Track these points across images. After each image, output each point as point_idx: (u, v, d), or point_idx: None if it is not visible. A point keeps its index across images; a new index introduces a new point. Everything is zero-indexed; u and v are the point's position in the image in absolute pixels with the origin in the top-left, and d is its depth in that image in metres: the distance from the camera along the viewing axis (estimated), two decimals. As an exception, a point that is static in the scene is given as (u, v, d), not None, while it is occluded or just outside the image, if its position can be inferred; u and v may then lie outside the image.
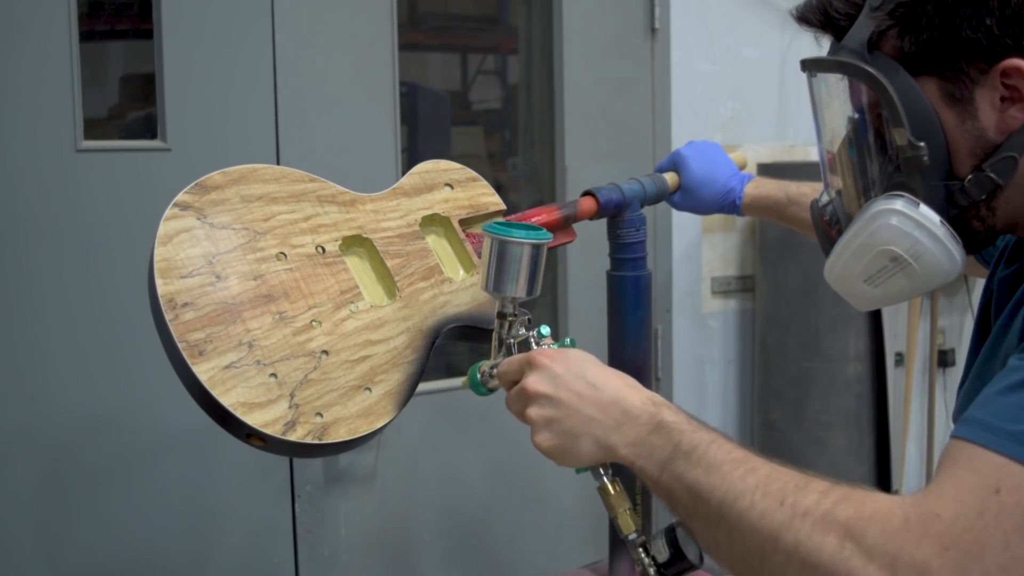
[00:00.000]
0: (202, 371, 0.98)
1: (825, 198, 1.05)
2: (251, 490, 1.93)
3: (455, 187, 1.20)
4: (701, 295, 2.53)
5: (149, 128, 1.87)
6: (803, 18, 0.98)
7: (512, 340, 1.03)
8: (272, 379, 1.00)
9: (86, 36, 1.79)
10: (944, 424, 2.94)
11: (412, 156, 2.26)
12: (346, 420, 1.03)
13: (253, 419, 0.98)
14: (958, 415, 0.98)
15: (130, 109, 1.99)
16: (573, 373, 0.96)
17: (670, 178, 1.39)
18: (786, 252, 2.44)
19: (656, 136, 2.39)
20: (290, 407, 1.00)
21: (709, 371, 2.56)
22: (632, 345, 1.31)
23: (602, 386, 0.95)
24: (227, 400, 0.98)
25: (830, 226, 1.02)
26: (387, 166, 2.01)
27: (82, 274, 1.77)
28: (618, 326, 1.32)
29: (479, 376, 1.06)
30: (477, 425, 2.18)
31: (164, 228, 1.03)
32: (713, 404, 2.58)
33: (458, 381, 2.21)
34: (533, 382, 0.97)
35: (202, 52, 1.84)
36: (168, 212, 1.04)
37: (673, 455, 0.88)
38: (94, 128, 1.82)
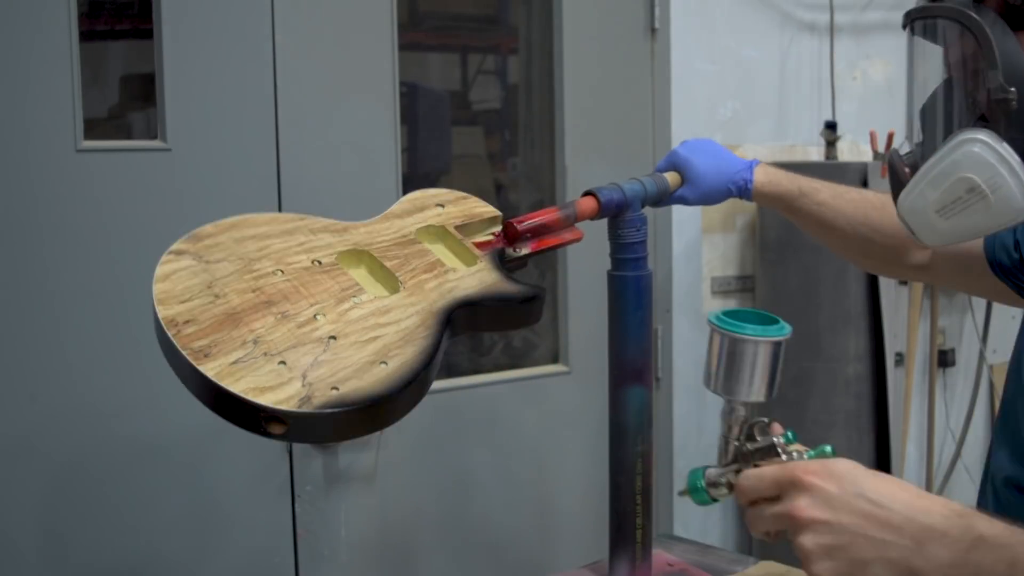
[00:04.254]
0: (209, 369, 0.97)
1: (907, 147, 1.06)
2: (251, 490, 1.93)
3: (446, 205, 1.21)
4: (701, 295, 2.53)
5: (149, 128, 1.87)
6: None
7: (749, 448, 0.91)
8: (282, 366, 0.98)
9: (86, 36, 1.79)
10: (944, 424, 2.94)
11: (412, 156, 2.26)
12: (362, 390, 0.98)
13: (266, 400, 0.94)
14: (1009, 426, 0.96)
15: (130, 109, 1.99)
16: (850, 492, 0.84)
17: (671, 178, 1.39)
18: (786, 252, 2.44)
19: (656, 136, 2.39)
20: (303, 385, 0.96)
21: (709, 371, 2.55)
22: (632, 345, 1.31)
23: (888, 503, 0.83)
24: (237, 387, 0.95)
25: (907, 169, 1.04)
26: (387, 166, 2.01)
27: (82, 274, 1.77)
28: (618, 326, 1.31)
29: (702, 483, 0.94)
30: (477, 425, 2.18)
31: (160, 270, 1.05)
32: (713, 404, 2.57)
33: (458, 381, 2.22)
34: (805, 507, 0.85)
35: (202, 52, 1.84)
36: (164, 259, 1.06)
37: (1010, 574, 0.78)
38: (94, 128, 1.82)
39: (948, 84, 1.00)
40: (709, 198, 1.42)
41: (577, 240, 1.26)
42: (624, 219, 1.30)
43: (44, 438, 1.76)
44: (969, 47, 0.96)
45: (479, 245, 1.19)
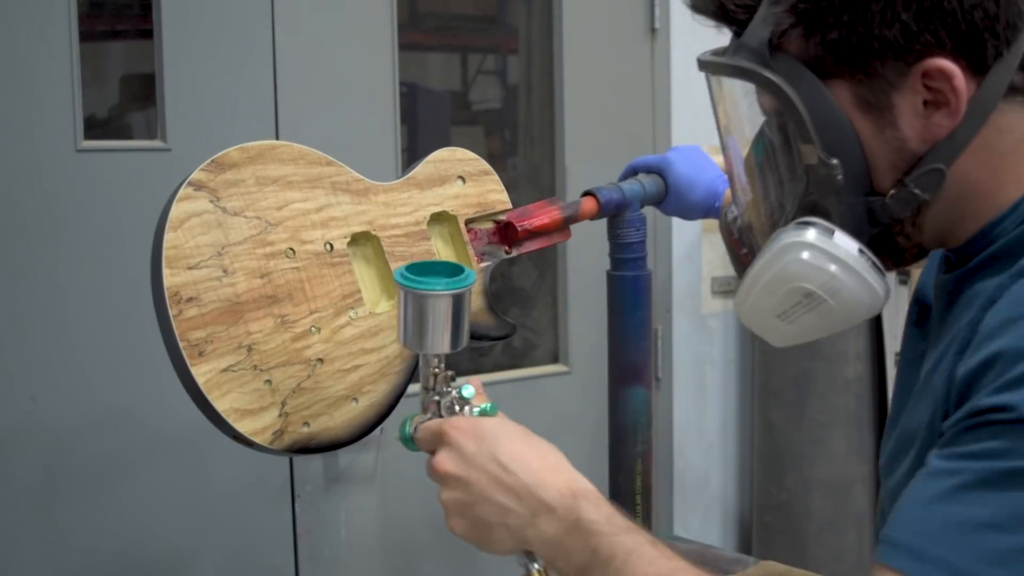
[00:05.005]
0: (200, 373, 0.99)
1: (734, 211, 0.96)
2: (251, 490, 1.93)
3: (467, 180, 1.19)
4: (701, 295, 2.53)
5: (149, 128, 1.87)
6: (697, 7, 0.87)
7: (438, 399, 0.93)
8: (266, 385, 1.02)
9: (86, 36, 1.79)
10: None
11: (412, 156, 2.26)
12: (330, 431, 1.07)
13: (244, 427, 1.01)
14: (887, 467, 0.87)
15: (130, 109, 1.99)
16: (486, 452, 0.85)
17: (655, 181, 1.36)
18: (786, 252, 2.43)
19: (656, 136, 2.39)
20: (280, 415, 1.03)
21: (709, 371, 2.56)
22: (632, 345, 1.31)
23: (516, 469, 0.83)
24: (221, 406, 1.00)
25: (740, 246, 0.95)
26: (387, 166, 2.01)
27: (82, 274, 1.77)
28: (618, 326, 1.31)
29: (408, 431, 0.95)
30: (477, 425, 2.18)
31: (176, 210, 1.00)
32: (713, 404, 2.58)
33: (458, 382, 2.21)
34: (442, 461, 0.87)
35: (202, 52, 1.84)
36: (181, 192, 1.01)
37: (591, 563, 0.79)
38: (94, 128, 1.82)
39: (765, 146, 0.87)
40: (686, 215, 1.36)
41: (565, 239, 1.26)
42: (623, 219, 1.30)
43: (44, 439, 1.76)
44: (773, 107, 0.82)
45: (475, 234, 1.18)
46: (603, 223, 1.32)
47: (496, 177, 1.22)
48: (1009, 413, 0.67)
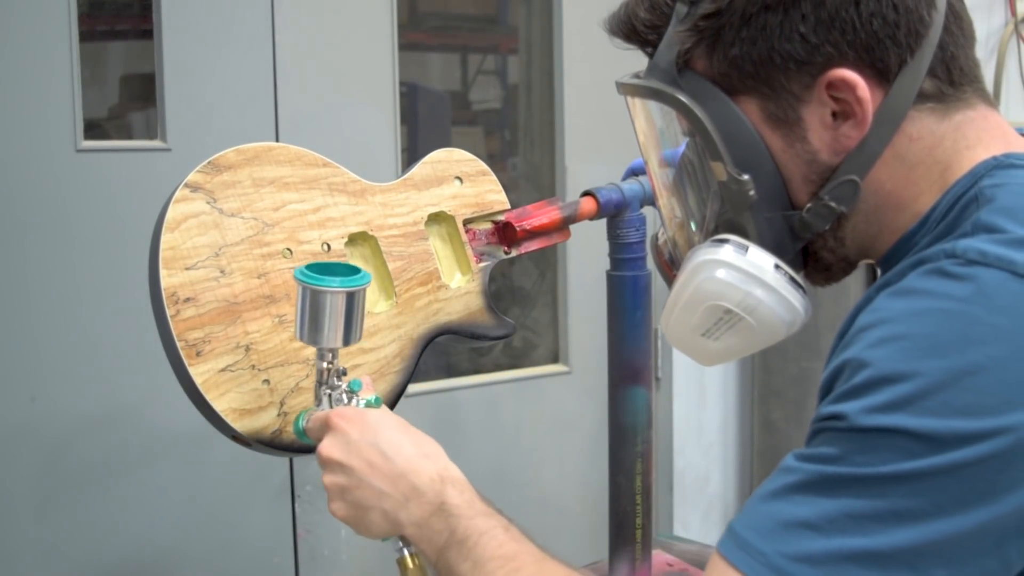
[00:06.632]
0: (198, 373, 0.99)
1: (663, 234, 0.97)
2: (251, 490, 1.93)
3: (464, 180, 1.19)
4: (701, 295, 2.52)
5: (149, 128, 1.88)
6: (612, 30, 0.87)
7: (329, 392, 0.98)
8: (265, 385, 1.02)
9: (86, 36, 1.79)
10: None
11: (412, 156, 2.26)
12: None
13: (242, 426, 1.01)
14: None
15: (130, 109, 1.99)
16: (367, 440, 0.90)
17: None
18: (786, 252, 2.43)
19: (656, 136, 2.38)
20: (279, 415, 1.03)
21: (709, 371, 2.55)
22: (632, 345, 1.31)
23: (393, 456, 0.89)
24: (219, 406, 1.00)
25: (670, 267, 0.96)
26: (387, 166, 2.01)
27: (82, 274, 1.77)
28: (618, 326, 1.31)
29: (301, 425, 1.00)
30: (477, 425, 2.18)
31: (173, 212, 1.01)
32: (713, 404, 2.57)
33: (458, 381, 2.22)
34: (327, 447, 0.92)
35: (202, 52, 1.84)
36: (178, 193, 1.02)
37: (448, 543, 0.86)
38: (94, 128, 1.82)
39: (684, 164, 0.88)
40: None
41: (565, 240, 1.26)
42: (623, 219, 1.30)
43: (44, 439, 1.76)
44: (685, 127, 0.84)
45: (474, 234, 1.18)
46: (603, 223, 1.32)
47: (494, 177, 1.22)
48: (842, 422, 0.69)
